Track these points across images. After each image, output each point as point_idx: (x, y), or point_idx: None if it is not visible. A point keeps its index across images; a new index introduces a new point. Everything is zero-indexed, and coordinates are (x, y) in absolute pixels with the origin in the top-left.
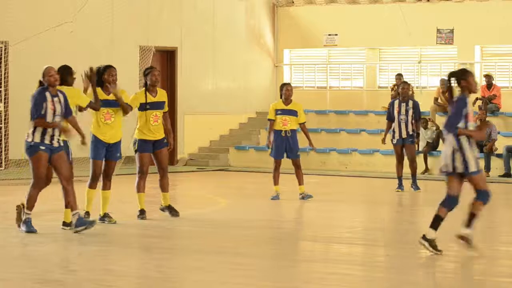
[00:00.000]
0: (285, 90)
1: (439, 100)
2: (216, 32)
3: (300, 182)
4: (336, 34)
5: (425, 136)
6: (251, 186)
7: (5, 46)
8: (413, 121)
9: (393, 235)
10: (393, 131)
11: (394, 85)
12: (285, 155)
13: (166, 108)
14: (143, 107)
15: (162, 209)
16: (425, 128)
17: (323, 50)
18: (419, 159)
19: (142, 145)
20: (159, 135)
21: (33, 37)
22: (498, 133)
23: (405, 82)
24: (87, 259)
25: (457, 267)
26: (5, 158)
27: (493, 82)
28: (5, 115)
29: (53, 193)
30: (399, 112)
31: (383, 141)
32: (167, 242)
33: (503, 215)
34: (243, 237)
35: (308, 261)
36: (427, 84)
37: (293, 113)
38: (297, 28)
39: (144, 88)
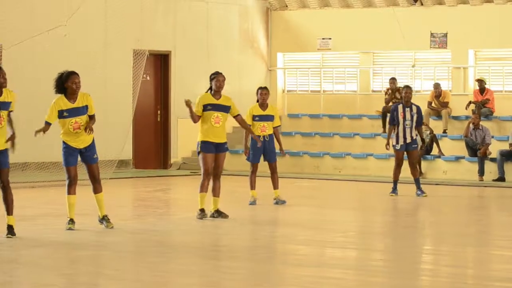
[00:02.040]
0: (260, 95)
1: (432, 104)
2: (210, 36)
3: (275, 187)
4: (329, 38)
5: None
6: (244, 190)
7: None
8: (416, 126)
9: (387, 239)
10: (397, 136)
11: (388, 89)
12: (261, 159)
13: (236, 112)
14: (205, 107)
15: (212, 215)
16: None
17: (317, 54)
18: None
19: (205, 146)
20: (222, 138)
21: (26, 40)
22: (492, 137)
23: (408, 87)
24: (80, 262)
25: (450, 271)
26: None
27: (486, 86)
28: None
29: (45, 197)
30: (404, 117)
31: (387, 146)
32: (161, 245)
33: (497, 219)
34: (236, 241)
35: (301, 265)
36: (421, 88)
37: (270, 118)
38: (291, 32)
39: (208, 91)
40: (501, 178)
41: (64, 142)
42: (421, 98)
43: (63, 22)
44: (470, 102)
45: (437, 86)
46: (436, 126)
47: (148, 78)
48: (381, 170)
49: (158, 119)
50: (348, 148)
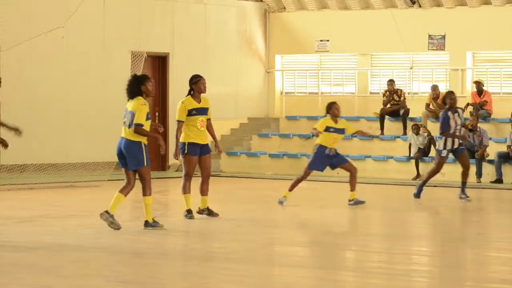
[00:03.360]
0: (334, 109)
1: (430, 106)
2: (208, 38)
3: (352, 188)
4: (327, 40)
5: (416, 142)
6: (242, 192)
7: None
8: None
9: (385, 241)
10: (445, 142)
11: (386, 91)
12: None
13: (209, 115)
14: (190, 113)
15: (200, 212)
16: (417, 134)
17: (315, 56)
18: (411, 165)
19: (191, 148)
20: (205, 140)
21: (24, 42)
22: (490, 139)
23: (452, 92)
24: (79, 264)
25: (448, 273)
26: None
27: (483, 88)
28: None
29: (43, 199)
30: (456, 123)
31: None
32: (160, 247)
33: (494, 220)
34: (235, 243)
35: (299, 266)
36: (418, 90)
37: (342, 131)
38: (289, 34)
39: (189, 96)
40: (499, 180)
41: (144, 145)
42: (419, 100)
43: (61, 24)
44: (468, 104)
45: (435, 88)
46: (434, 128)
47: None
48: (379, 172)
49: (156, 121)
50: (346, 150)
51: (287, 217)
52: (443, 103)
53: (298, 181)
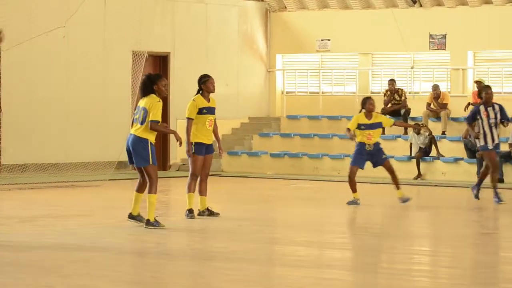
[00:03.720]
0: (369, 104)
1: (431, 106)
2: (209, 37)
3: (397, 186)
4: (328, 40)
5: (417, 142)
6: (243, 192)
7: None
8: (502, 122)
9: (386, 240)
10: (485, 136)
11: (387, 91)
12: (366, 164)
13: (215, 115)
14: (200, 111)
15: (200, 214)
16: (418, 133)
17: (316, 55)
18: (412, 165)
19: (198, 148)
20: (211, 140)
21: (25, 42)
22: None
23: (488, 86)
24: (80, 264)
25: (448, 272)
26: None
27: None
28: None
29: (44, 198)
30: (488, 116)
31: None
32: (161, 247)
33: (495, 220)
34: (235, 242)
35: (300, 266)
36: (419, 90)
37: (377, 125)
38: (290, 33)
39: (199, 94)
40: (500, 180)
41: (151, 143)
42: (420, 100)
43: (61, 23)
44: (469, 104)
45: (435, 87)
46: (435, 127)
47: None
48: (379, 171)
49: None
50: (347, 149)
51: (287, 217)
52: (479, 98)
53: (350, 180)
